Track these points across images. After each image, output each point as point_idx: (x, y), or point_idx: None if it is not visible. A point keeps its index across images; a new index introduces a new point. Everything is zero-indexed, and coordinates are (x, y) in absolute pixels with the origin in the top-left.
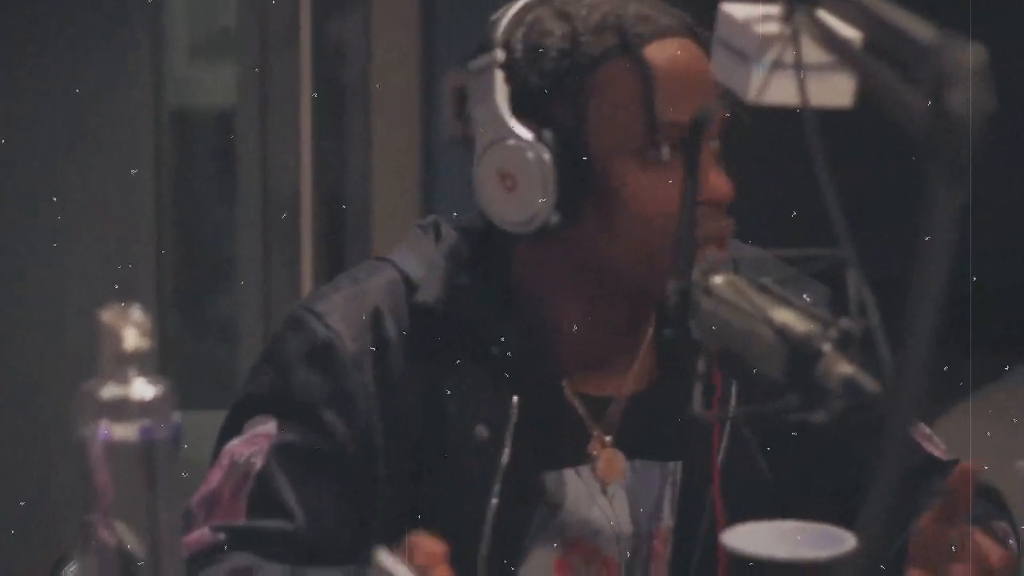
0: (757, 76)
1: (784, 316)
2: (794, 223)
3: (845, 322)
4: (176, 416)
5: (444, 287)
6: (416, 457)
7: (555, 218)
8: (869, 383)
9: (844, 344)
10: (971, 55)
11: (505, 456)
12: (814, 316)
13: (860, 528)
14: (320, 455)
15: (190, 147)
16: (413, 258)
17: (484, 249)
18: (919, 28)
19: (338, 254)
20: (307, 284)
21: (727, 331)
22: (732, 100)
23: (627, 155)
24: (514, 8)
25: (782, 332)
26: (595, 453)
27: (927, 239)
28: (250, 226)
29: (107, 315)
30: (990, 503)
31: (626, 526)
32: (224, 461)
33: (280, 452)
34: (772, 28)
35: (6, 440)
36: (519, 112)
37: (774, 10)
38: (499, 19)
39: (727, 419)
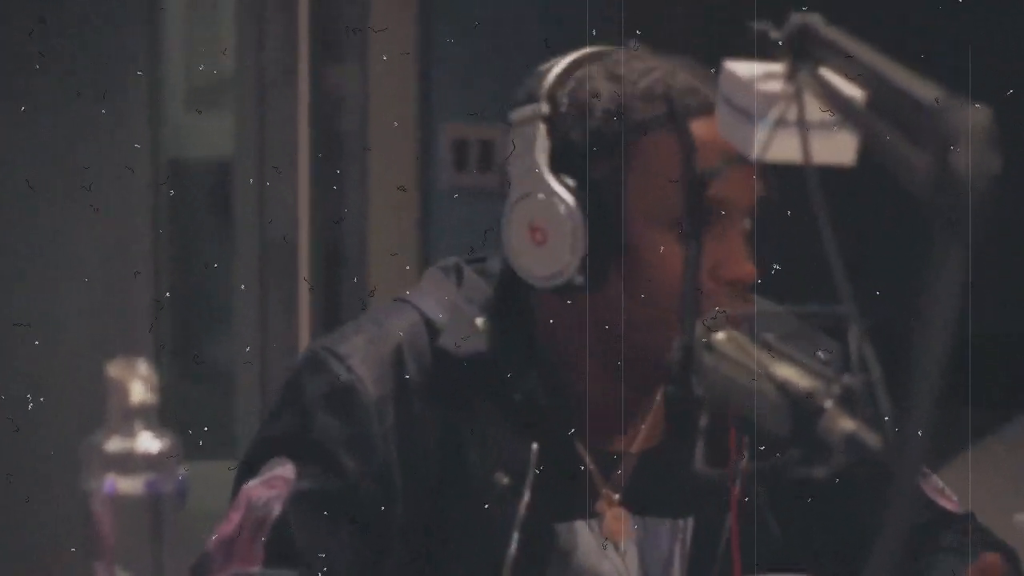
0: (760, 134)
1: (786, 372)
2: (797, 277)
3: (847, 378)
4: (182, 470)
5: (466, 332)
6: (435, 501)
7: (580, 278)
8: (871, 439)
9: (846, 400)
10: (974, 116)
11: (524, 504)
12: (816, 372)
13: None
14: (338, 500)
15: (188, 195)
16: (435, 301)
17: (506, 295)
18: (923, 88)
19: (335, 301)
20: (304, 331)
21: (729, 387)
22: (768, 181)
23: (662, 225)
24: (563, 62)
25: (784, 388)
26: (602, 511)
27: (931, 298)
28: (247, 274)
29: (113, 368)
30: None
31: None
32: (242, 503)
33: (298, 500)
34: (775, 86)
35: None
36: (557, 168)
37: (777, 68)
38: (547, 71)
39: (736, 476)
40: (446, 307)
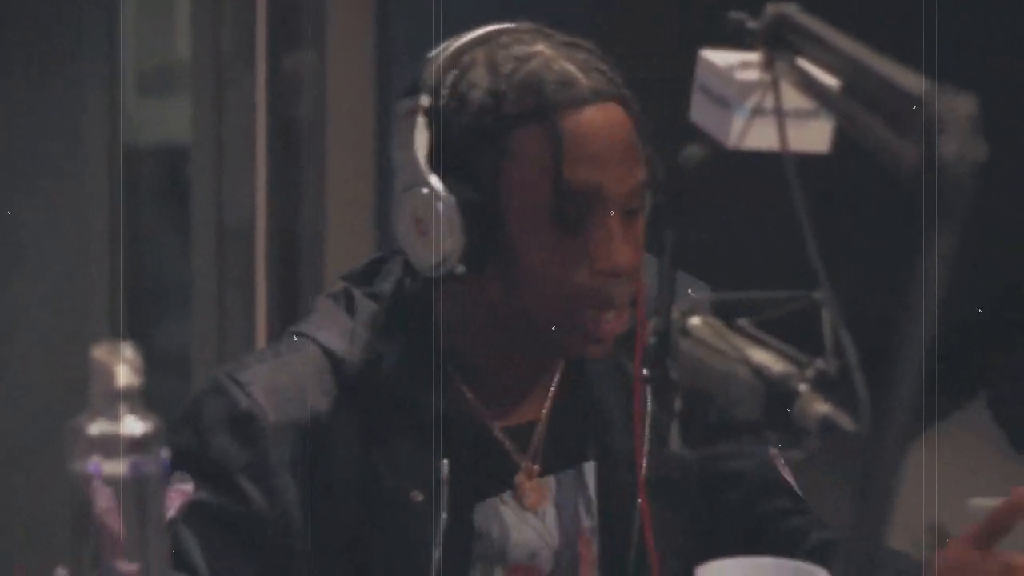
0: (738, 122)
1: (760, 356)
2: (776, 265)
3: (820, 362)
4: (165, 452)
5: (367, 358)
6: (353, 523)
7: (460, 268)
8: (845, 421)
9: (820, 384)
10: (959, 104)
11: (443, 516)
12: (790, 356)
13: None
14: (232, 520)
15: (144, 181)
16: (333, 331)
17: (398, 313)
18: (907, 77)
19: (292, 287)
20: (261, 318)
21: (705, 371)
22: (657, 175)
23: (534, 218)
24: (452, 47)
25: (759, 372)
26: (522, 483)
27: (915, 285)
28: (204, 259)
29: (98, 352)
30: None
31: (559, 538)
32: None
33: (193, 510)
34: (752, 75)
35: None
36: (437, 160)
37: (754, 57)
38: (434, 57)
39: (712, 455)
40: (345, 335)
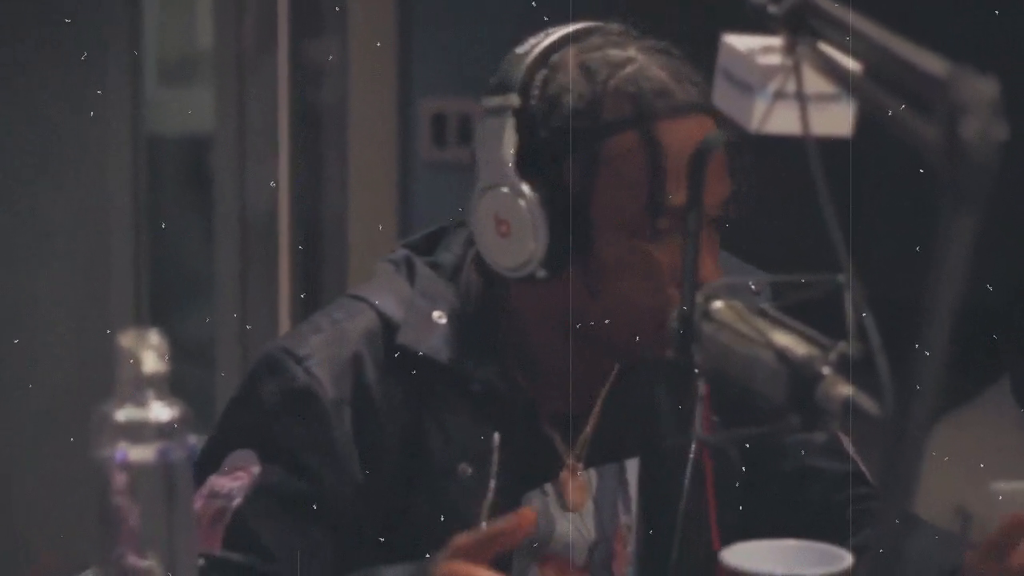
0: (760, 106)
1: (784, 339)
2: (803, 247)
3: (843, 345)
4: (192, 438)
5: (425, 327)
6: (401, 494)
7: (542, 272)
8: (869, 404)
9: (844, 367)
10: (981, 86)
11: (490, 491)
12: (813, 339)
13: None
14: (300, 498)
15: (167, 170)
16: (391, 298)
17: (460, 287)
18: (929, 60)
19: (315, 277)
20: (284, 307)
21: (728, 355)
22: (733, 178)
23: (623, 227)
24: (540, 46)
25: (783, 355)
26: (565, 480)
27: (939, 266)
28: (227, 248)
29: (125, 338)
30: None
31: (595, 532)
32: (205, 491)
33: (261, 492)
34: (774, 59)
35: None
36: (523, 160)
37: (776, 42)
38: (522, 57)
39: (740, 442)
40: (402, 303)
